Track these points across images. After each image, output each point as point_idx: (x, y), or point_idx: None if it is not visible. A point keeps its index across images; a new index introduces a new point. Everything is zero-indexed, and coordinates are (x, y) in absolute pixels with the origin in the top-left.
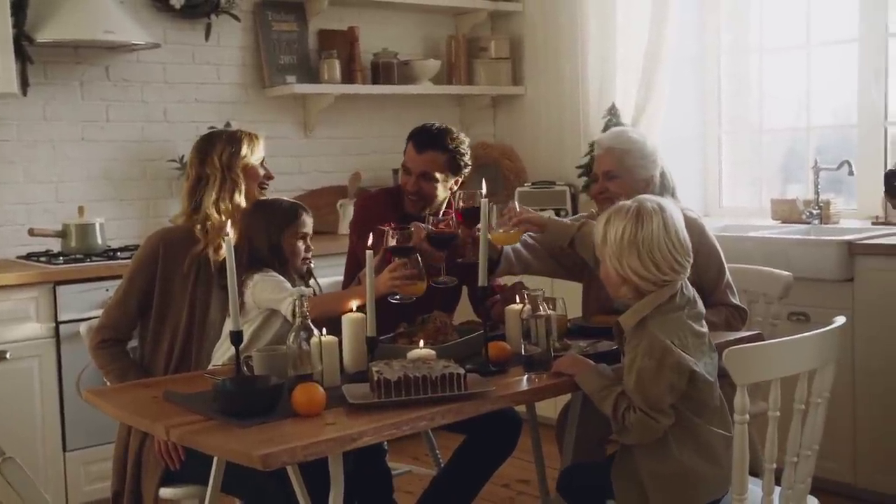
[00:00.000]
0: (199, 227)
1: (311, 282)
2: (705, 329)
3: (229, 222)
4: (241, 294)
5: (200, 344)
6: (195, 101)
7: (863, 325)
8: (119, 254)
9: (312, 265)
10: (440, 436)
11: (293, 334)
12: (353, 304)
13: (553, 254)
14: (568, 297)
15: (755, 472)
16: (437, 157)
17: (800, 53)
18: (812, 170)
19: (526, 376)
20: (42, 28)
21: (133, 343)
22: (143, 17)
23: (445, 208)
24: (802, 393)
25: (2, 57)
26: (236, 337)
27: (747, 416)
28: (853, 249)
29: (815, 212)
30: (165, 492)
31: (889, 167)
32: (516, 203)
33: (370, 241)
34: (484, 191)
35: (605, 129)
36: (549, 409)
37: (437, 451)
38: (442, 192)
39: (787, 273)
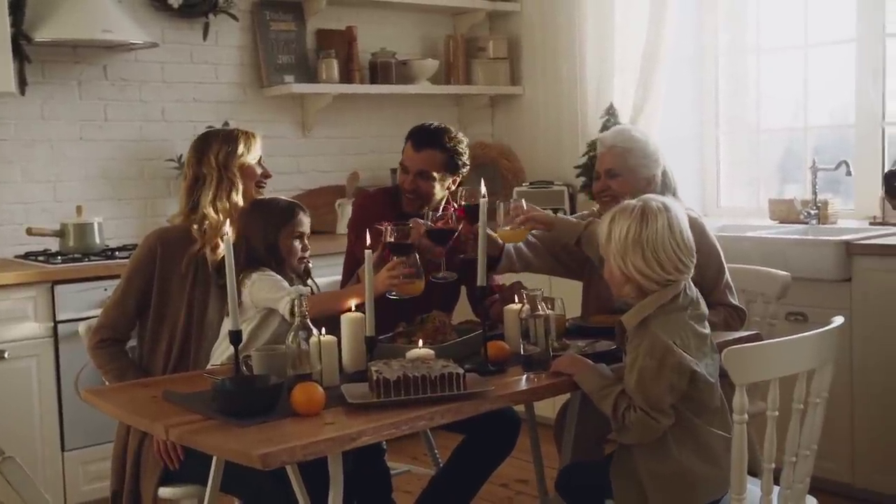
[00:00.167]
0: (196, 226)
1: (309, 281)
2: (707, 330)
3: (228, 222)
4: (238, 293)
5: (199, 344)
6: (193, 101)
7: (860, 325)
8: (117, 253)
9: (311, 265)
10: (439, 435)
11: (292, 334)
12: (352, 302)
13: (553, 252)
14: (566, 297)
15: (753, 471)
16: (435, 155)
17: (797, 53)
18: (810, 170)
19: (525, 376)
20: (40, 27)
21: (132, 343)
22: (142, 16)
23: (444, 206)
24: (801, 393)
25: (0, 56)
26: (235, 336)
27: (746, 416)
28: (851, 249)
29: (812, 212)
30: (164, 491)
31: (887, 167)
32: (523, 201)
33: (369, 241)
34: (483, 190)
35: (603, 129)
36: (547, 408)
37: (436, 451)
38: (440, 191)
39: (784, 273)
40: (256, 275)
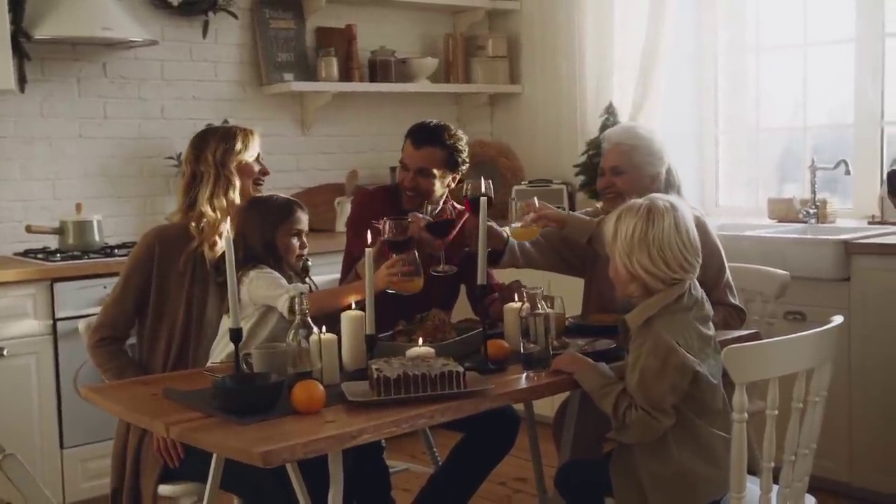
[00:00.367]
0: (193, 224)
1: (307, 280)
2: (712, 332)
3: (228, 220)
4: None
5: (198, 341)
6: (192, 99)
7: (859, 324)
8: (116, 251)
9: (310, 263)
10: (438, 434)
11: (293, 332)
12: (351, 299)
13: (557, 248)
14: (566, 296)
15: (752, 470)
16: (435, 153)
17: (797, 53)
18: (809, 169)
19: (525, 374)
20: (40, 24)
21: (131, 341)
22: (141, 14)
23: (443, 203)
24: (800, 392)
25: None
26: (236, 334)
27: (746, 415)
28: (850, 249)
29: (811, 211)
30: (164, 489)
31: (886, 167)
32: (535, 199)
33: (370, 239)
34: (483, 188)
35: (603, 127)
36: (546, 407)
37: (435, 449)
38: (440, 189)
39: (783, 272)
40: (254, 272)
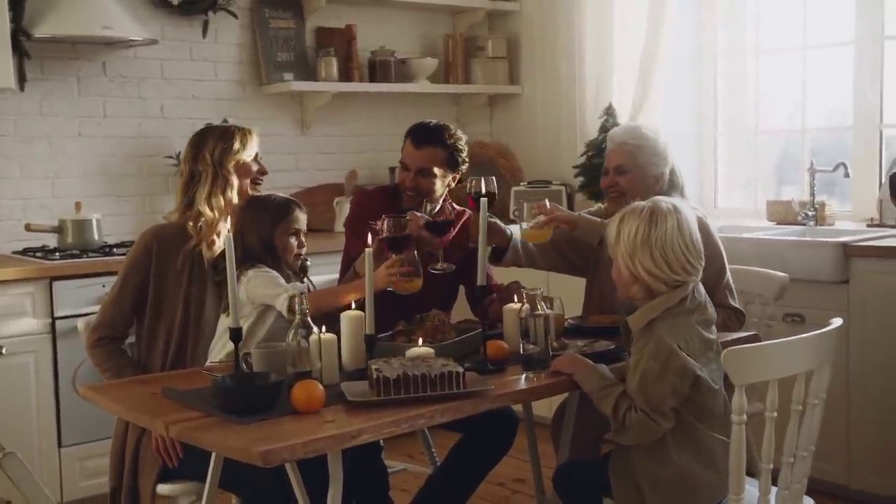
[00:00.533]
0: (191, 223)
1: (305, 280)
2: (714, 336)
3: (227, 219)
4: None
5: (196, 340)
6: (192, 98)
7: (858, 326)
8: (115, 250)
9: (308, 263)
10: (436, 434)
11: (292, 331)
12: (350, 298)
13: (559, 248)
14: (565, 297)
15: (750, 472)
16: (436, 152)
17: (796, 55)
18: (807, 171)
19: (524, 375)
20: (40, 23)
21: (130, 340)
22: (141, 13)
23: (442, 203)
24: (799, 394)
25: None
26: (236, 333)
27: (745, 417)
28: (848, 251)
29: (810, 213)
30: (163, 488)
31: (885, 169)
32: (546, 200)
33: (370, 240)
34: (484, 189)
35: (602, 128)
36: (545, 408)
37: (433, 450)
38: (440, 188)
39: (782, 274)
40: (253, 271)
